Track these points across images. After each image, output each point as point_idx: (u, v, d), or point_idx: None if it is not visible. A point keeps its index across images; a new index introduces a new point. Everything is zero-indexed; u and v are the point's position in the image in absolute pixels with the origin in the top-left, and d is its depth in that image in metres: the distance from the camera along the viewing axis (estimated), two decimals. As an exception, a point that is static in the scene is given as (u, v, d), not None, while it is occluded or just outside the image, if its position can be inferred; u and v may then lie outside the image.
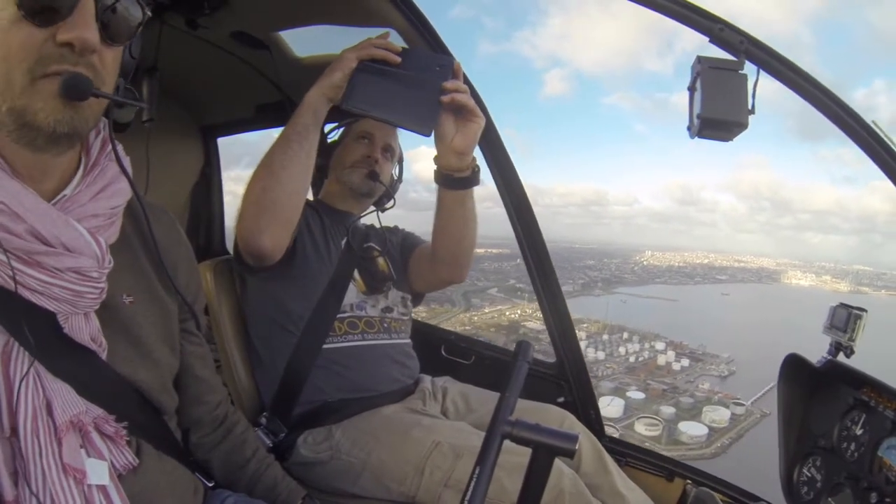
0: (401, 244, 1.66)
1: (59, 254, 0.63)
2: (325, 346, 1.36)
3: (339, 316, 1.39)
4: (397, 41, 1.49)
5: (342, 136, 1.60)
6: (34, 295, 0.63)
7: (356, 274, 1.46)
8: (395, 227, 1.71)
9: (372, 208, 1.63)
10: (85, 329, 0.69)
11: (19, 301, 0.62)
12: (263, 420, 1.30)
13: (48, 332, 0.65)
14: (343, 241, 1.50)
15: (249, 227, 1.21)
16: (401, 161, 1.67)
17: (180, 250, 0.88)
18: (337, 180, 1.57)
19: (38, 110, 0.58)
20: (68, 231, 0.64)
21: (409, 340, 1.54)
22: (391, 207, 1.66)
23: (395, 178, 1.66)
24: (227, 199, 2.55)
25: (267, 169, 1.20)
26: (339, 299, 1.40)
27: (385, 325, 1.47)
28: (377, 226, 1.62)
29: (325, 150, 1.52)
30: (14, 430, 0.62)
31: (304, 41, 1.69)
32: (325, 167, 1.56)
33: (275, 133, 1.32)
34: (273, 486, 0.99)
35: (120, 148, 0.74)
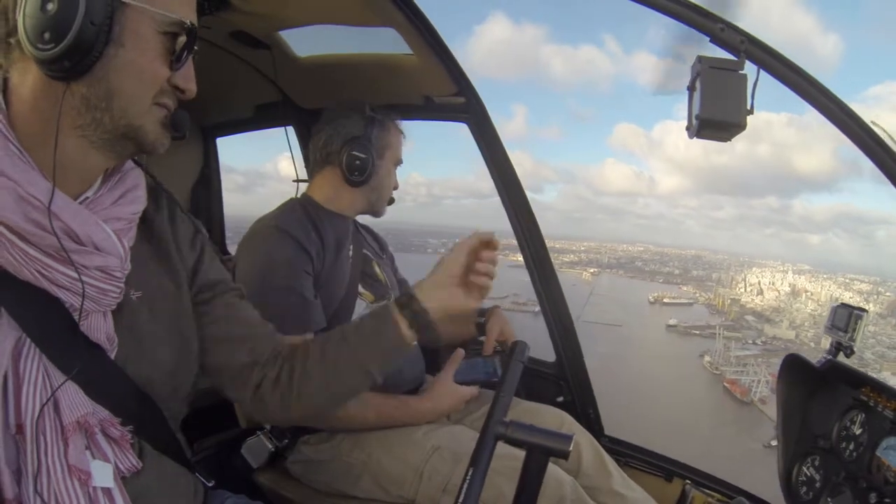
0: (391, 262, 1.69)
1: (90, 252, 0.66)
2: None
3: None
4: (398, 40, 1.50)
5: (382, 150, 1.47)
6: (61, 291, 0.65)
7: (360, 287, 1.46)
8: (379, 235, 1.71)
9: None
10: (102, 327, 0.70)
11: (38, 298, 0.64)
12: (267, 426, 1.30)
13: (62, 331, 0.66)
14: (349, 251, 1.47)
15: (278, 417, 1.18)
16: None
17: (184, 231, 0.87)
18: (365, 198, 1.49)
19: (148, 131, 0.70)
20: (98, 231, 0.67)
21: (414, 342, 1.53)
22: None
23: None
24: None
25: (350, 420, 1.27)
26: (350, 313, 1.40)
27: None
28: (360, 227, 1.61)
29: (370, 162, 1.42)
30: (20, 427, 0.62)
31: (304, 41, 1.69)
32: (364, 182, 1.43)
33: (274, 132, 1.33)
34: (360, 320, 0.95)
35: None
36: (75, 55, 0.60)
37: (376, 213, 1.55)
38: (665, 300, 70.94)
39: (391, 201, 1.56)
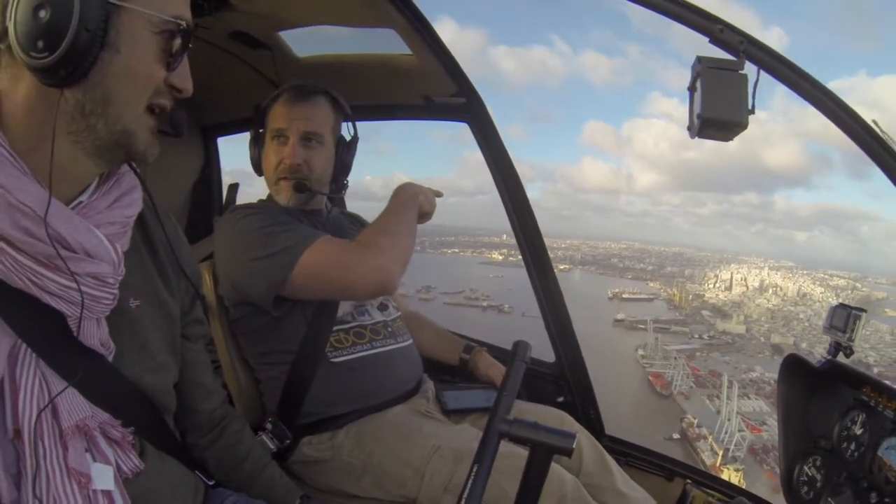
0: None
1: (81, 259, 0.65)
2: (335, 360, 1.33)
3: (342, 327, 1.37)
4: (398, 41, 1.50)
5: (265, 134, 1.44)
6: (53, 299, 0.64)
7: None
8: (364, 220, 1.64)
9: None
10: (96, 334, 0.69)
11: (31, 303, 0.63)
12: (269, 425, 1.29)
13: (57, 335, 0.66)
14: None
15: (391, 275, 1.25)
16: (352, 142, 1.47)
17: (183, 253, 0.88)
18: (283, 189, 1.40)
19: (139, 139, 0.68)
20: (90, 237, 0.66)
21: (412, 341, 1.51)
22: (342, 194, 1.54)
23: (339, 162, 1.44)
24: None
25: (406, 238, 1.30)
26: (334, 307, 1.37)
27: (389, 329, 1.44)
28: (344, 215, 1.59)
29: (255, 155, 1.44)
30: (18, 432, 0.62)
31: (304, 41, 1.70)
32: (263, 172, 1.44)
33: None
34: (269, 485, 0.99)
35: None
36: (70, 63, 0.58)
37: (292, 207, 1.40)
38: (624, 295, 68.36)
39: (301, 187, 1.37)
